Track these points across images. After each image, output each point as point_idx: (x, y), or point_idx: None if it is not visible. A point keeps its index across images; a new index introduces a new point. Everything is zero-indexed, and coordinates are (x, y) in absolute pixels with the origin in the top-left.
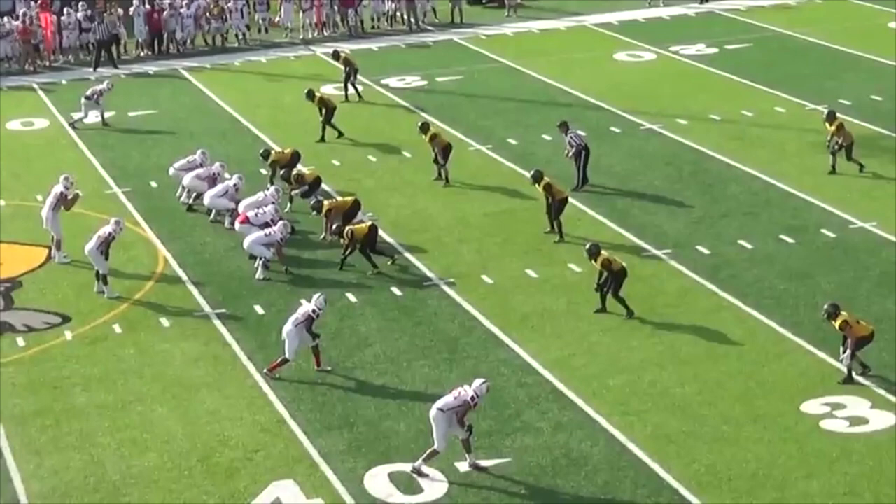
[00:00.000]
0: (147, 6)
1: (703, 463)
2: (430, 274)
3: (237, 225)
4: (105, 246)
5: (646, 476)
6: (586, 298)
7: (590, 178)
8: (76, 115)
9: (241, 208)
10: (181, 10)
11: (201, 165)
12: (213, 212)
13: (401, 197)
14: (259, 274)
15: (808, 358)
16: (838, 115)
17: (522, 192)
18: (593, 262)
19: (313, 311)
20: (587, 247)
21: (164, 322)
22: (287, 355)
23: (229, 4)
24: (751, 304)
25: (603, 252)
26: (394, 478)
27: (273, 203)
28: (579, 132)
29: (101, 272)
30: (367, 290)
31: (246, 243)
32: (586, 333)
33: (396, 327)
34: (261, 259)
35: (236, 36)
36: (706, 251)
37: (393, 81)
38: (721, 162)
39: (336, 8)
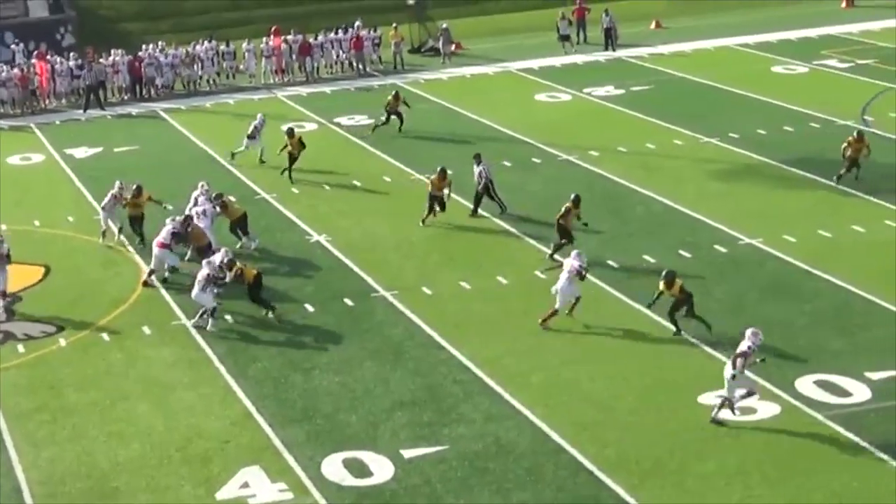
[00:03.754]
0: (129, 56)
1: (614, 448)
2: (377, 286)
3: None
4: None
5: (565, 460)
6: (513, 306)
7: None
8: (237, 149)
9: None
10: (160, 59)
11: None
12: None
13: (351, 220)
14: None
15: (703, 356)
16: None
17: (456, 216)
18: (667, 289)
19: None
20: (663, 274)
21: (146, 330)
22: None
23: (201, 55)
24: (653, 310)
25: (677, 280)
26: (347, 464)
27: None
28: (486, 166)
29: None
30: (323, 301)
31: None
32: (512, 337)
33: (348, 333)
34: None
35: (207, 81)
36: (615, 265)
37: (344, 120)
38: (628, 188)
39: (294, 56)
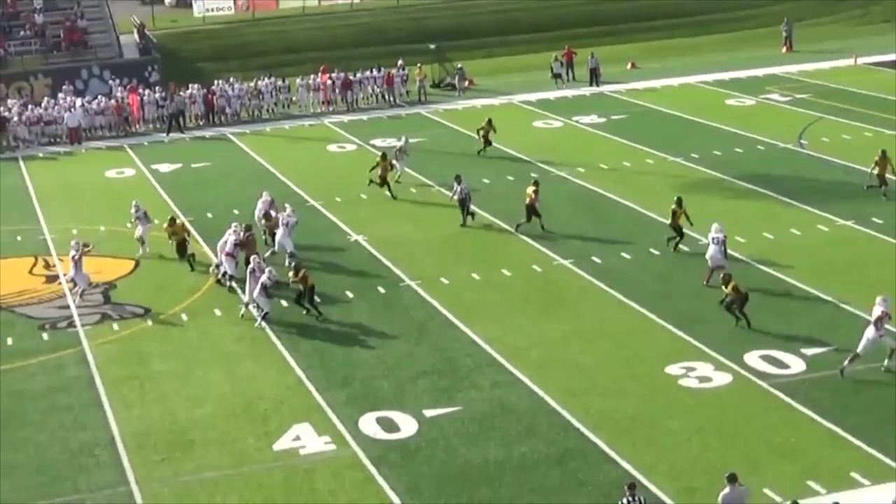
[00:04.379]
0: (204, 90)
1: (597, 409)
2: (404, 277)
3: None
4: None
5: (557, 419)
6: (514, 294)
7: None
8: (398, 172)
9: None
10: (229, 92)
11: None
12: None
13: (383, 223)
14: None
15: (670, 335)
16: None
17: (452, 220)
18: (724, 287)
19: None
20: (722, 275)
21: (218, 312)
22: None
23: (262, 89)
24: (629, 297)
25: (732, 280)
26: (379, 421)
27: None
28: (465, 185)
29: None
30: (361, 290)
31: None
32: (515, 319)
33: (381, 315)
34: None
35: (267, 110)
36: (599, 261)
37: (378, 142)
38: (608, 198)
39: (337, 91)
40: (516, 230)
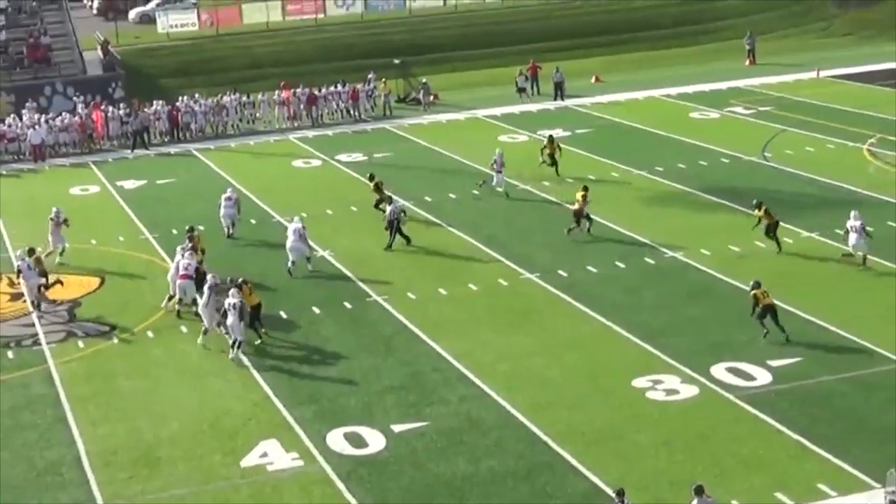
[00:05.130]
0: (168, 106)
1: (564, 423)
2: (370, 292)
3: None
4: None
5: (525, 433)
6: (482, 309)
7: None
8: (495, 183)
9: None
10: (194, 108)
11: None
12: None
13: (350, 238)
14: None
15: (636, 348)
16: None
17: (436, 235)
18: (757, 297)
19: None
20: (751, 283)
21: (184, 329)
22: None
23: (227, 104)
24: (595, 310)
25: (755, 291)
26: (347, 437)
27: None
28: (396, 204)
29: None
30: (327, 305)
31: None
32: (482, 333)
33: (348, 330)
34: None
35: (232, 126)
36: (565, 274)
37: (343, 157)
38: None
39: (302, 106)
40: (568, 234)
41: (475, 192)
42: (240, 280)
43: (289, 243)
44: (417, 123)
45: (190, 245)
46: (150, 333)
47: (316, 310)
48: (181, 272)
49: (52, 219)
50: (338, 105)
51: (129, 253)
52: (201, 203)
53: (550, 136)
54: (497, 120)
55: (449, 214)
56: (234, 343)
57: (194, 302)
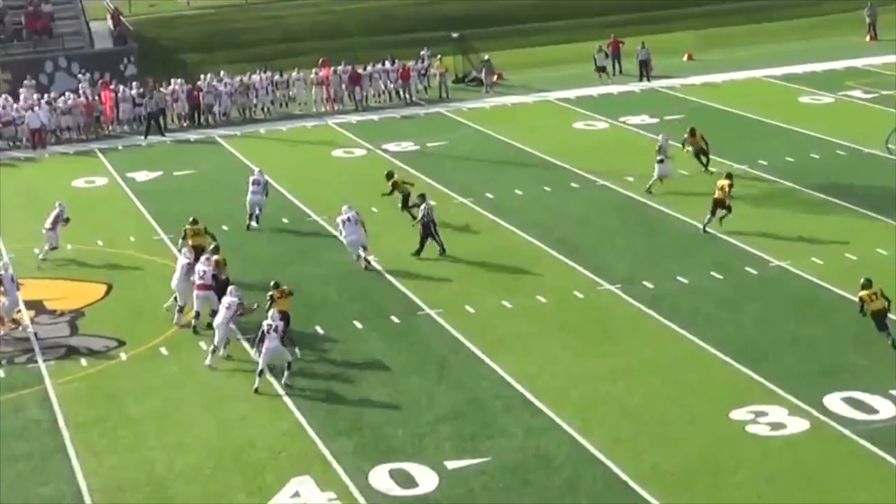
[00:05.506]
0: (188, 85)
1: (648, 460)
2: (422, 304)
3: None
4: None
5: (602, 471)
6: (551, 323)
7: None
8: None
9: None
10: (217, 88)
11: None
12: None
13: (397, 240)
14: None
15: (735, 373)
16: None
17: (499, 237)
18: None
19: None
20: (861, 281)
21: (202, 345)
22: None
23: (256, 84)
24: (686, 328)
25: (863, 292)
26: (393, 474)
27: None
28: (430, 204)
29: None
30: (371, 319)
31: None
32: (552, 353)
33: (395, 348)
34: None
35: (262, 109)
36: (650, 285)
37: (391, 146)
38: (661, 211)
39: (344, 87)
40: (703, 230)
41: (650, 191)
42: (272, 284)
43: (347, 238)
44: (478, 107)
45: (182, 241)
46: (163, 350)
47: (357, 324)
48: (198, 281)
49: (56, 215)
50: (385, 85)
51: (140, 256)
52: (225, 198)
53: (692, 129)
54: (571, 104)
55: (514, 213)
56: (286, 367)
57: (213, 314)
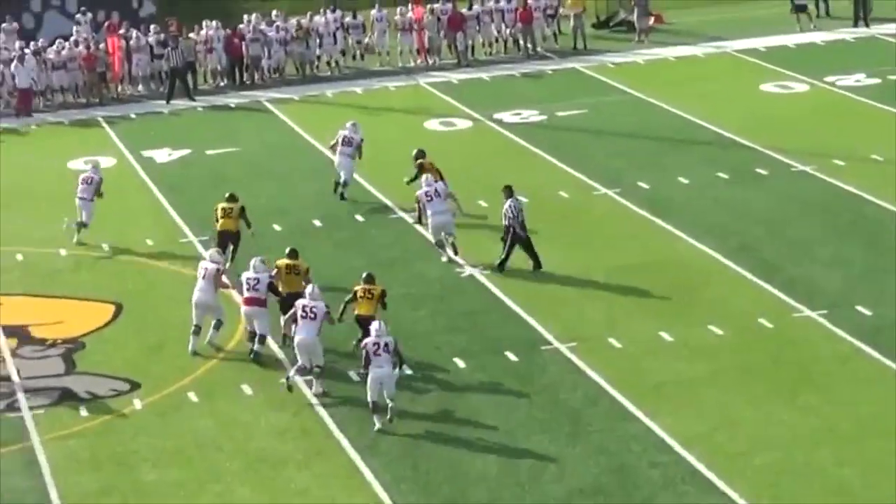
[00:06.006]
0: (227, 30)
1: None
2: (548, 336)
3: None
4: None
5: None
6: (730, 364)
7: (508, 265)
8: None
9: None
10: (267, 34)
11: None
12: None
13: (517, 249)
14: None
15: None
16: None
17: (656, 242)
18: None
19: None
20: None
21: (247, 389)
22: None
23: (320, 28)
24: None
25: None
26: None
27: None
28: (519, 201)
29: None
30: (477, 355)
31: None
32: (729, 405)
33: (511, 397)
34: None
35: (328, 63)
36: (868, 312)
37: (507, 116)
38: (886, 210)
39: (442, 33)
40: None
41: None
42: (364, 276)
43: (433, 217)
44: (628, 62)
45: (219, 224)
46: (192, 395)
47: (460, 363)
48: (246, 294)
49: (84, 180)
50: (499, 31)
51: (160, 265)
52: (277, 186)
53: None
54: (758, 57)
55: (677, 211)
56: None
57: (261, 341)
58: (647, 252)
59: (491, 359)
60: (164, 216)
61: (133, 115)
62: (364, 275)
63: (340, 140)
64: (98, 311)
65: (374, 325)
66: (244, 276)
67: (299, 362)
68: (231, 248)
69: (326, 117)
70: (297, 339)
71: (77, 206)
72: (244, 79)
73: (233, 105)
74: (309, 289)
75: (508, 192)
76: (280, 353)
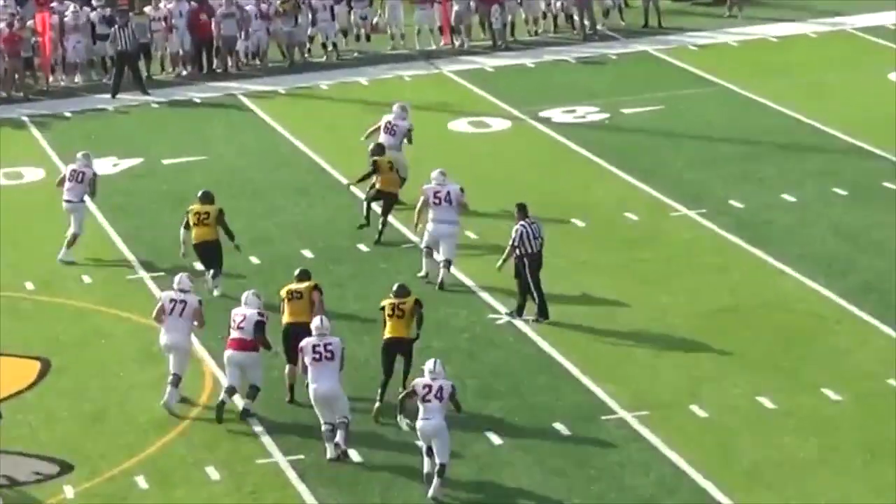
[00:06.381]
0: (192, 2)
1: None
2: (611, 403)
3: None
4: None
5: None
6: (850, 441)
7: (540, 297)
8: None
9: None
10: (244, 8)
11: None
12: None
13: (568, 283)
14: None
15: None
16: None
17: (753, 280)
18: None
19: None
20: None
21: (212, 473)
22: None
23: (313, 1)
24: None
25: None
26: None
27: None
28: (535, 226)
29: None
30: (517, 429)
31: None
32: (848, 494)
33: (562, 483)
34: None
35: (324, 45)
36: None
37: (557, 114)
38: None
39: (471, 4)
40: None
41: None
42: (395, 288)
43: (434, 227)
44: (715, 43)
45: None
46: (140, 480)
47: (495, 438)
48: (233, 334)
49: (70, 176)
50: (548, 4)
51: (101, 310)
52: (258, 208)
53: None
54: (887, 37)
55: (781, 238)
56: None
57: (252, 395)
58: (740, 292)
59: (535, 433)
60: (107, 245)
61: (67, 114)
62: (395, 287)
63: (382, 127)
64: (18, 368)
65: (428, 364)
66: (233, 312)
67: (323, 423)
68: (212, 263)
69: (320, 116)
70: (312, 391)
71: (65, 211)
72: (213, 66)
73: (198, 100)
74: (315, 322)
75: (522, 212)
76: (257, 427)
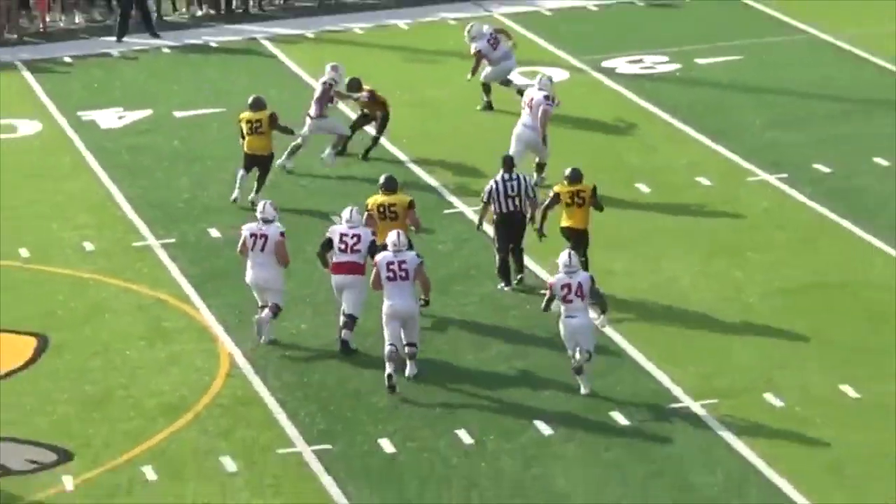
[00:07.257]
0: None
1: None
2: (675, 390)
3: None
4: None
5: None
6: None
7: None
8: None
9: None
10: None
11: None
12: None
13: (630, 255)
14: None
15: None
16: None
17: (841, 255)
18: None
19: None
20: None
21: (228, 464)
22: None
23: None
24: None
25: None
26: None
27: None
28: (514, 182)
29: None
30: (570, 418)
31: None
32: None
33: (618, 476)
34: None
35: None
36: None
37: (622, 64)
38: None
39: None
40: None
41: None
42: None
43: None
44: None
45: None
46: (148, 471)
47: (545, 428)
48: (336, 258)
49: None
50: None
51: (104, 280)
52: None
53: None
54: None
55: (874, 207)
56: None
57: (349, 325)
58: (825, 269)
59: (590, 423)
60: (111, 208)
61: (67, 59)
62: (568, 171)
63: (527, 102)
64: (11, 346)
65: (562, 257)
66: (335, 230)
67: (387, 346)
68: (259, 175)
69: (354, 64)
70: (386, 308)
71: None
72: (233, 6)
73: (215, 45)
74: (392, 236)
75: (504, 165)
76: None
